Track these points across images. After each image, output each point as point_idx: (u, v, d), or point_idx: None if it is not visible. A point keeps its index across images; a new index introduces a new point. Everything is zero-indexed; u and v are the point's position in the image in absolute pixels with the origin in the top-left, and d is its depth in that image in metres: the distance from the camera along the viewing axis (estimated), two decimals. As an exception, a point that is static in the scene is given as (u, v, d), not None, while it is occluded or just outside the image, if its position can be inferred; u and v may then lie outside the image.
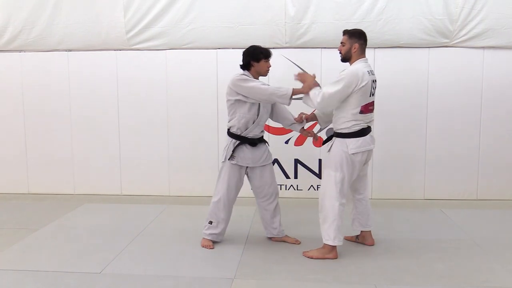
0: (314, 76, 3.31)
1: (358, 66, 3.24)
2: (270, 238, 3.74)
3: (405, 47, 4.79)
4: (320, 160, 5.00)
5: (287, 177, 5.09)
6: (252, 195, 5.07)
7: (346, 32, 3.33)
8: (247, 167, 3.55)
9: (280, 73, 4.87)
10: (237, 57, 4.99)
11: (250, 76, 3.45)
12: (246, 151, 3.49)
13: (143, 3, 4.86)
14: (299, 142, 5.00)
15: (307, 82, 3.27)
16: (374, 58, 4.83)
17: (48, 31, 5.03)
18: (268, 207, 3.64)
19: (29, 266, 3.24)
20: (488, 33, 4.66)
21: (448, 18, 4.63)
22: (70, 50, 5.13)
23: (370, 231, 3.62)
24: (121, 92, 5.14)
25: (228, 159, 3.47)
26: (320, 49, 4.85)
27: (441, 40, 4.73)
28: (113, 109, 5.17)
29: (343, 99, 3.19)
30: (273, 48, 4.82)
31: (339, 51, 3.36)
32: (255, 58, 3.44)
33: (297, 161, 5.06)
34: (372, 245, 3.60)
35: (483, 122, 4.88)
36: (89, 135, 5.23)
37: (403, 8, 4.64)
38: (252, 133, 3.48)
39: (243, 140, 3.48)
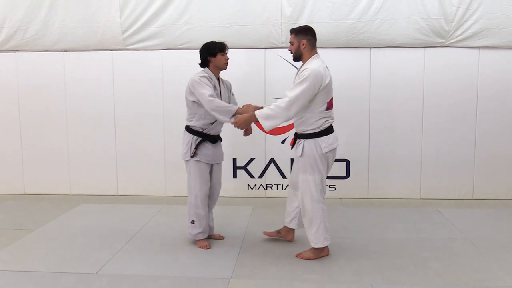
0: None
1: (316, 64, 3.22)
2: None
3: (401, 47, 4.80)
4: (316, 160, 5.00)
5: (284, 176, 5.10)
6: (250, 195, 5.11)
7: (292, 31, 3.35)
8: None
9: (277, 73, 4.89)
10: (233, 57, 4.99)
11: (210, 73, 3.46)
12: (209, 148, 3.50)
13: (139, 3, 4.85)
14: (295, 142, 4.99)
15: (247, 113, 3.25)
16: (370, 58, 4.84)
17: (44, 31, 5.01)
18: (210, 203, 3.69)
19: (25, 266, 3.23)
20: (484, 33, 4.68)
21: (444, 18, 4.64)
22: (66, 50, 5.12)
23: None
24: (117, 92, 5.12)
25: (191, 157, 3.46)
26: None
27: (437, 40, 4.75)
28: (109, 109, 5.15)
29: (309, 100, 3.13)
30: (270, 48, 4.86)
31: (289, 51, 3.37)
32: (211, 53, 3.46)
33: (293, 161, 5.06)
34: (291, 241, 3.63)
35: (478, 122, 4.89)
36: (85, 135, 5.22)
37: (399, 8, 4.65)
38: (214, 130, 3.51)
39: (205, 137, 3.48)
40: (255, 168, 5.11)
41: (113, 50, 5.07)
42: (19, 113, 5.26)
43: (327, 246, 3.34)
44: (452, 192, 4.99)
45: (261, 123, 3.16)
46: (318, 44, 4.81)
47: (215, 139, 3.56)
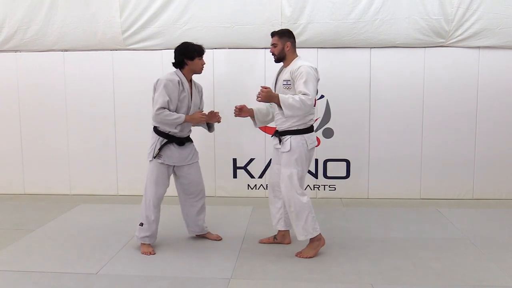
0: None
1: (305, 61, 3.27)
2: (193, 235, 3.76)
3: (401, 47, 4.80)
4: (316, 160, 5.00)
5: (284, 177, 5.09)
6: (250, 195, 5.11)
7: (275, 33, 3.39)
8: (174, 166, 3.52)
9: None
10: (234, 57, 5.02)
11: (182, 76, 3.40)
12: (174, 150, 3.44)
13: (139, 3, 4.85)
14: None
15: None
16: (370, 58, 4.84)
17: (44, 31, 5.01)
18: (196, 204, 3.65)
19: (25, 266, 3.23)
20: (484, 33, 4.68)
21: (444, 18, 4.64)
22: (66, 50, 5.12)
23: (288, 230, 3.61)
24: (117, 92, 5.12)
25: (154, 158, 3.41)
26: (316, 49, 4.86)
27: (437, 40, 4.74)
28: (109, 109, 5.15)
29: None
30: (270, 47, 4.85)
31: (271, 53, 3.40)
32: (188, 56, 3.39)
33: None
34: (289, 243, 3.60)
35: (478, 122, 4.89)
36: (85, 135, 5.22)
37: (399, 8, 4.65)
38: (181, 133, 3.45)
39: (171, 138, 3.43)
40: (255, 168, 5.11)
41: (113, 50, 5.07)
42: (19, 113, 5.26)
43: (321, 236, 3.34)
44: (452, 192, 4.99)
45: (283, 108, 3.13)
46: (318, 44, 4.87)
47: (182, 141, 3.48)
